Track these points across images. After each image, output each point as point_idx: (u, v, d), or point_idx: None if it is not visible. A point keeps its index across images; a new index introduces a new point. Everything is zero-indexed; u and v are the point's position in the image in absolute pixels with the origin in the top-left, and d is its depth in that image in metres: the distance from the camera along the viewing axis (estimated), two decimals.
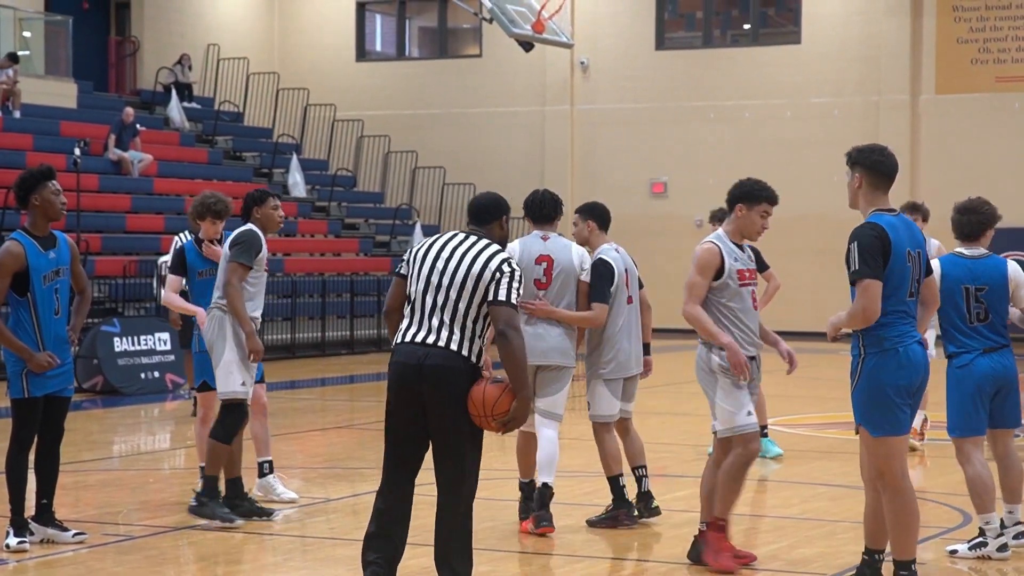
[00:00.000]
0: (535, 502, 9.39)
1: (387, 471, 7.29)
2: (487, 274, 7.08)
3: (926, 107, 30.09)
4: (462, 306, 7.10)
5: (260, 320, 9.83)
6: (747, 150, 31.24)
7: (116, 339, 18.76)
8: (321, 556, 8.77)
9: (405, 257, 7.36)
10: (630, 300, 9.84)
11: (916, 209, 12.41)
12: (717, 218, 12.97)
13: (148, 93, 31.16)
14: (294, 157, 30.22)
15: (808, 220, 29.02)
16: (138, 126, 26.82)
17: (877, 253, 7.09)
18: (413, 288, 7.21)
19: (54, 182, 8.86)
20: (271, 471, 10.36)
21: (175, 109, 29.90)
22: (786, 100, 31.13)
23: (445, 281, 7.12)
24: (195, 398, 15.62)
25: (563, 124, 32.96)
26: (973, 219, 8.67)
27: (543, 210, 9.94)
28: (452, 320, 7.09)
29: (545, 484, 9.34)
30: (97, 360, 18.38)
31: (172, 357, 19.17)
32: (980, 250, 8.67)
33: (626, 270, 9.94)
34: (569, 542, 9.10)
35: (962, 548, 8.56)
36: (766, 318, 10.67)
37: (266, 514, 9.74)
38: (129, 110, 26.50)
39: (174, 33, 32.49)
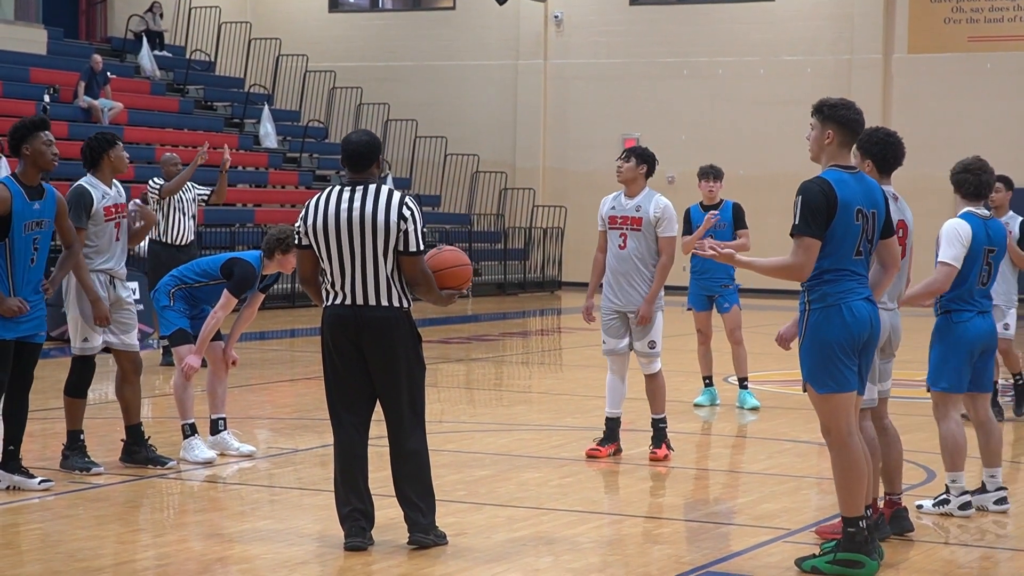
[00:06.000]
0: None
1: (337, 419, 7.55)
2: (392, 224, 7.36)
3: (898, 66, 30.14)
4: (380, 261, 7.37)
5: (123, 271, 9.70)
6: (719, 107, 31.25)
7: None
8: (289, 506, 8.80)
9: (297, 228, 7.54)
10: None
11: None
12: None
13: (119, 41, 30.94)
14: (265, 108, 30.09)
15: (779, 178, 29.09)
16: (108, 74, 26.64)
17: (821, 210, 7.00)
18: (326, 260, 7.45)
19: (46, 132, 8.94)
20: (225, 428, 10.33)
21: (146, 57, 29.70)
22: (759, 57, 31.12)
23: (356, 244, 7.37)
24: (163, 348, 15.71)
25: (536, 78, 32.88)
26: (984, 179, 8.59)
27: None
28: (376, 277, 7.38)
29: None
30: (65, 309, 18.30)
31: (141, 306, 19.05)
32: (984, 211, 8.64)
33: None
34: (536, 495, 9.15)
35: (927, 504, 8.64)
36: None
37: (161, 463, 9.72)
38: (97, 57, 26.30)
39: None
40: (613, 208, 10.49)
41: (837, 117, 7.20)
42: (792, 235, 7.06)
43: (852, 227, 7.08)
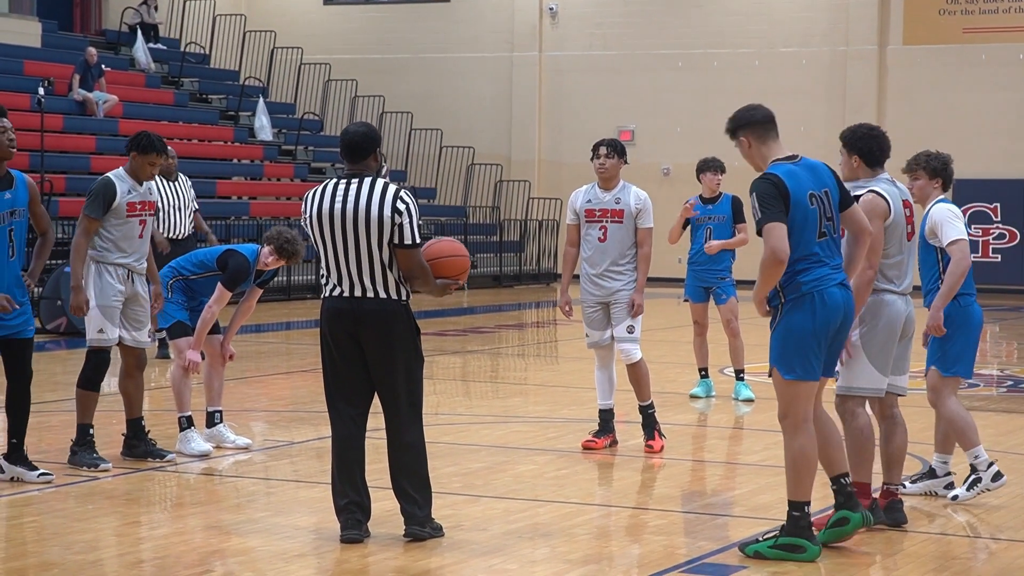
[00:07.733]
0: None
1: (335, 411, 7.56)
2: (386, 218, 7.34)
3: (894, 57, 30.14)
4: (376, 254, 7.36)
5: (143, 267, 9.59)
6: (715, 99, 31.20)
7: None
8: (285, 498, 8.81)
9: (303, 224, 7.55)
10: None
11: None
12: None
13: (113, 33, 30.91)
14: (260, 100, 30.06)
15: None
16: (103, 67, 26.62)
17: (775, 197, 7.11)
18: (323, 252, 7.45)
19: (1, 119, 8.71)
20: (221, 420, 10.33)
21: (141, 50, 29.67)
22: (754, 49, 31.12)
23: (350, 237, 7.36)
24: (160, 340, 15.70)
25: (531, 70, 32.88)
26: (951, 168, 8.69)
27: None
28: (371, 271, 7.37)
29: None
30: (61, 301, 18.30)
31: None
32: None
33: None
34: (532, 487, 9.16)
35: (961, 492, 8.62)
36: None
37: (160, 455, 9.73)
38: (92, 50, 26.27)
39: None
40: (589, 201, 10.48)
41: (736, 123, 7.38)
42: (759, 231, 7.18)
43: (809, 212, 7.20)
